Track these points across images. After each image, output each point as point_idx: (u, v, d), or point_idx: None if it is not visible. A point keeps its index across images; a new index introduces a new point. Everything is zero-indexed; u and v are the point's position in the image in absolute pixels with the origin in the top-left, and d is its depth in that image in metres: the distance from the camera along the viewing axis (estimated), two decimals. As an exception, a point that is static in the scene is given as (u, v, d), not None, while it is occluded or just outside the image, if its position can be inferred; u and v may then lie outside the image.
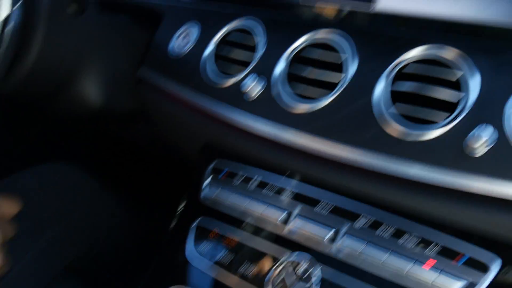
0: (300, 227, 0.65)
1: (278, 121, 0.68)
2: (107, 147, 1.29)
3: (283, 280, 0.64)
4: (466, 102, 0.56)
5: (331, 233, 0.64)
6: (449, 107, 0.56)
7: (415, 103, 0.58)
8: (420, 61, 0.61)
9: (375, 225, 0.61)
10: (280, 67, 0.73)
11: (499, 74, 0.57)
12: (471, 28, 0.64)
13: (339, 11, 0.74)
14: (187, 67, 0.84)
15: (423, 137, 0.57)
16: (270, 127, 0.69)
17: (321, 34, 0.71)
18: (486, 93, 0.56)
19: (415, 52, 0.63)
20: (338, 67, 0.66)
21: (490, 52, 0.60)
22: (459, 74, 0.58)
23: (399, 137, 0.58)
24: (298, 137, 0.66)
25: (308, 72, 0.68)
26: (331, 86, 0.65)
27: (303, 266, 0.64)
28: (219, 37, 0.82)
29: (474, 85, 0.57)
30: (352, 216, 0.63)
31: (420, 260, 0.57)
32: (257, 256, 0.68)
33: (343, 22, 0.72)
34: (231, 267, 0.69)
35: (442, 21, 0.64)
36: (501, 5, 0.61)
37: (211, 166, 0.78)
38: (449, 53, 0.61)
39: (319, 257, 0.63)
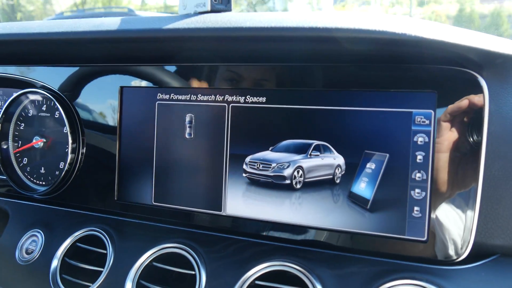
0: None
1: None
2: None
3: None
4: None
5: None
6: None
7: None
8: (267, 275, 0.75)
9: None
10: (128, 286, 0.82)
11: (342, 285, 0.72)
12: (313, 243, 0.80)
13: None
14: (35, 277, 0.90)
15: None
16: None
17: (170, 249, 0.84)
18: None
19: (261, 267, 0.76)
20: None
21: (332, 265, 0.76)
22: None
23: None
24: None
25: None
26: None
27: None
28: (65, 248, 0.91)
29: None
30: None
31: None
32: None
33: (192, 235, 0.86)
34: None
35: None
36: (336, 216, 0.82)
37: None
38: (293, 267, 0.75)
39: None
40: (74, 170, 1.03)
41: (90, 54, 1.01)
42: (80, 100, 1.06)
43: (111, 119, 1.02)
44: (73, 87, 1.05)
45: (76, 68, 1.05)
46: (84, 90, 1.06)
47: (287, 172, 0.85)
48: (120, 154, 1.00)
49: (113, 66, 1.02)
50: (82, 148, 1.04)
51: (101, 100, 1.04)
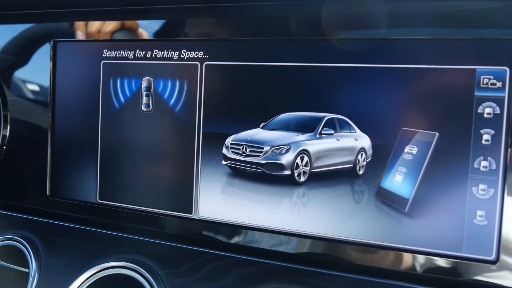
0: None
1: None
2: None
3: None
4: None
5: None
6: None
7: None
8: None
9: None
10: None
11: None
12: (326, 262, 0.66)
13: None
14: None
15: None
16: None
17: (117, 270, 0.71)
18: None
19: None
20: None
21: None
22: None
23: None
24: None
25: None
26: None
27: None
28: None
29: None
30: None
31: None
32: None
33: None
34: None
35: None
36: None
37: None
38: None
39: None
40: (-7, 156, 0.89)
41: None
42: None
43: (41, 87, 0.86)
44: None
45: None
46: (5, 50, 0.90)
47: (285, 159, 0.68)
48: (54, 135, 0.84)
49: (43, 13, 0.86)
50: (5, 127, 0.89)
51: (28, 60, 0.87)
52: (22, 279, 0.76)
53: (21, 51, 0.87)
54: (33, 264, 0.76)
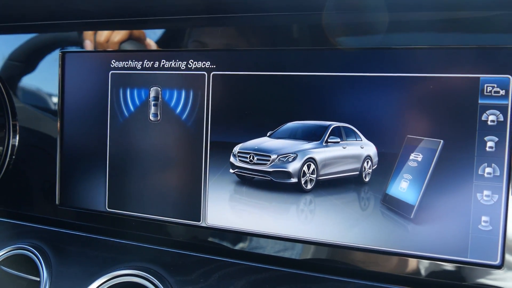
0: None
1: None
2: None
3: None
4: None
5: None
6: None
7: None
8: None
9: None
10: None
11: None
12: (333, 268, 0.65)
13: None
14: None
15: None
16: None
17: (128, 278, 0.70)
18: None
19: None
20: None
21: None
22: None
23: None
24: None
25: None
26: None
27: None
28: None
29: None
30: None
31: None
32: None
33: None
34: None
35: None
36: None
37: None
38: None
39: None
40: (3, 166, 0.88)
41: (20, 9, 0.84)
42: (9, 72, 0.89)
43: (51, 98, 0.85)
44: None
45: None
46: (14, 59, 0.89)
47: (292, 167, 0.68)
48: (63, 143, 0.83)
49: (52, 24, 0.85)
50: (14, 137, 0.88)
51: (37, 70, 0.87)
52: (33, 288, 0.76)
53: (30, 61, 0.86)
54: (44, 273, 0.75)
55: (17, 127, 0.88)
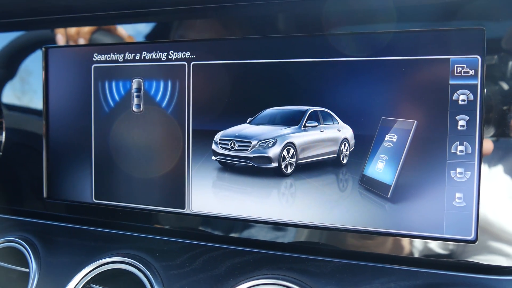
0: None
1: None
2: None
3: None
4: None
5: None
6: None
7: None
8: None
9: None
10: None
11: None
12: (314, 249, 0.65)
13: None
14: None
15: None
16: None
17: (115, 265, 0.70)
18: None
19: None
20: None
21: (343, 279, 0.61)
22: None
23: None
24: None
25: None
26: None
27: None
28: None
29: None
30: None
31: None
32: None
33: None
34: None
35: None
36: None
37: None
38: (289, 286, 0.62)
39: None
40: (-10, 161, 0.88)
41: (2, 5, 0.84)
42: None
43: (35, 93, 0.85)
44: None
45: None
46: None
47: (272, 152, 0.68)
48: (49, 138, 0.84)
49: (34, 20, 0.85)
50: (0, 133, 0.88)
51: (21, 66, 0.87)
52: (23, 279, 0.76)
53: (13, 59, 0.86)
54: (33, 264, 0.75)
55: (3, 124, 0.88)
